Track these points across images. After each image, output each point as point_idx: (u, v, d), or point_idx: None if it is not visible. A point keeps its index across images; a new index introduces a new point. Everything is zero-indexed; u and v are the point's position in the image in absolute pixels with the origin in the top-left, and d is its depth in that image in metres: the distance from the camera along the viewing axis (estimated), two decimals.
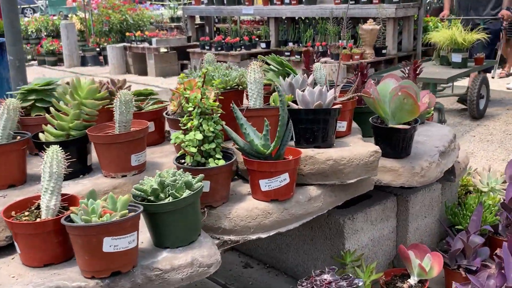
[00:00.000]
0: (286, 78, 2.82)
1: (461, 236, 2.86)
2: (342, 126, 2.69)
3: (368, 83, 2.78)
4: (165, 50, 11.53)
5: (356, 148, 2.50)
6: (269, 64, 3.10)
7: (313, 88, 2.58)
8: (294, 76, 2.84)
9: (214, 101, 2.31)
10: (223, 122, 2.29)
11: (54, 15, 20.33)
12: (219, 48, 10.17)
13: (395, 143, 2.75)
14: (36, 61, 14.42)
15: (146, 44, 11.52)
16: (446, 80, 5.87)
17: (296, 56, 9.11)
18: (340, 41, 8.98)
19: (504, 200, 3.25)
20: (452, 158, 3.03)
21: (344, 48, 8.46)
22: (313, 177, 2.42)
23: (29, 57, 14.75)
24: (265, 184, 2.21)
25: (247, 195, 2.33)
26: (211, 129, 2.18)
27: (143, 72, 11.72)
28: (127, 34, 12.51)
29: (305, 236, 2.98)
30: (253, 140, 2.21)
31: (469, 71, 6.33)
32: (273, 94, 2.67)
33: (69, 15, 16.75)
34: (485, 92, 6.82)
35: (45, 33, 15.33)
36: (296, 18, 10.42)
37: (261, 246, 3.27)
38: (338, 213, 2.81)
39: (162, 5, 17.58)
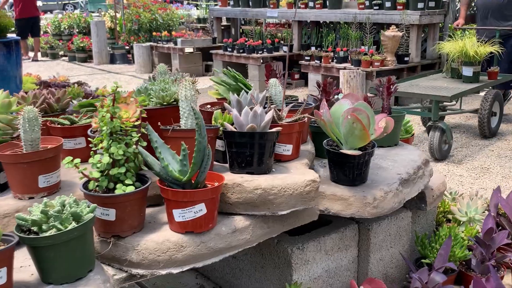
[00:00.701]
0: (235, 93, 2.63)
1: (420, 274, 2.62)
2: (287, 149, 2.46)
3: (322, 103, 2.56)
4: (191, 50, 11.43)
5: (293, 176, 2.27)
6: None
7: (265, 106, 2.39)
8: (246, 93, 2.64)
9: (137, 119, 2.14)
10: (145, 143, 2.11)
11: (93, 12, 20.55)
12: (241, 51, 9.99)
13: (348, 169, 2.51)
14: (67, 57, 14.55)
15: (171, 44, 11.48)
16: (449, 98, 5.30)
17: (316, 61, 8.84)
18: (362, 47, 8.71)
19: (480, 232, 2.99)
20: (418, 186, 2.77)
21: (365, 54, 8.19)
22: (241, 206, 2.20)
23: (61, 53, 14.91)
24: (178, 215, 2.02)
25: (165, 225, 2.13)
26: (120, 151, 1.99)
27: None
28: (154, 33, 12.47)
29: (256, 263, 2.78)
30: (168, 165, 2.02)
31: (480, 86, 5.82)
32: (215, 112, 2.49)
33: (102, 13, 16.86)
34: (497, 109, 6.21)
35: (77, 30, 15.44)
36: (320, 22, 10.17)
37: (217, 269, 3.08)
38: (287, 241, 2.60)
39: (196, 5, 17.48)
